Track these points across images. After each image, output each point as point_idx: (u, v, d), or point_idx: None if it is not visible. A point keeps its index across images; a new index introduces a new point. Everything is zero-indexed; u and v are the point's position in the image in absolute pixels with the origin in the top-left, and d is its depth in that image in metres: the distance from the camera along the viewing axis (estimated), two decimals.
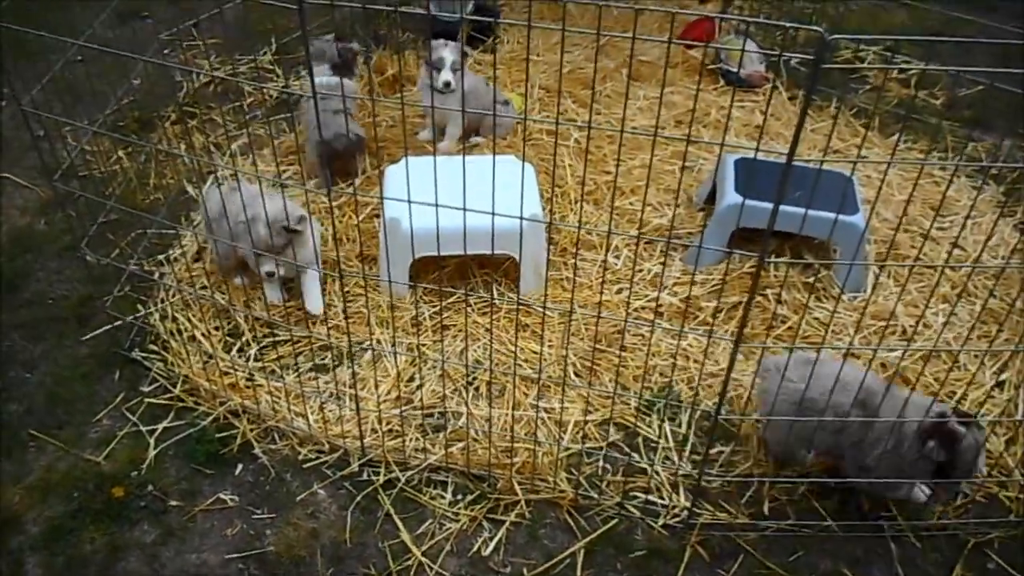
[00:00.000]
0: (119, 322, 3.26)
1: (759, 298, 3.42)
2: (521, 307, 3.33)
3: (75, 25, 2.96)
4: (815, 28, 1.60)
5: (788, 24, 1.76)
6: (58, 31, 2.62)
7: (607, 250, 3.52)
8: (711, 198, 3.81)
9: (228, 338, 3.27)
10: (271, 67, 4.87)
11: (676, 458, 2.89)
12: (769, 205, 2.19)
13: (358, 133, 3.90)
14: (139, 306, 3.40)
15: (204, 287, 3.43)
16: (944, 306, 3.45)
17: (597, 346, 3.18)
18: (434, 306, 3.35)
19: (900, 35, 5.25)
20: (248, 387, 3.03)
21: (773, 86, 4.63)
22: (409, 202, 2.21)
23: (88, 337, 3.30)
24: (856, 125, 4.48)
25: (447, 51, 3.85)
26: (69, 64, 2.93)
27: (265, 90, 4.61)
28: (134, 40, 4.56)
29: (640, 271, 3.52)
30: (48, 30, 2.55)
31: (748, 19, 1.69)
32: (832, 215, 3.27)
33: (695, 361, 3.18)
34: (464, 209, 2.18)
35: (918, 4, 4.96)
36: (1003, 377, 3.16)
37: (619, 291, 3.45)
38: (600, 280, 3.44)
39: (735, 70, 4.59)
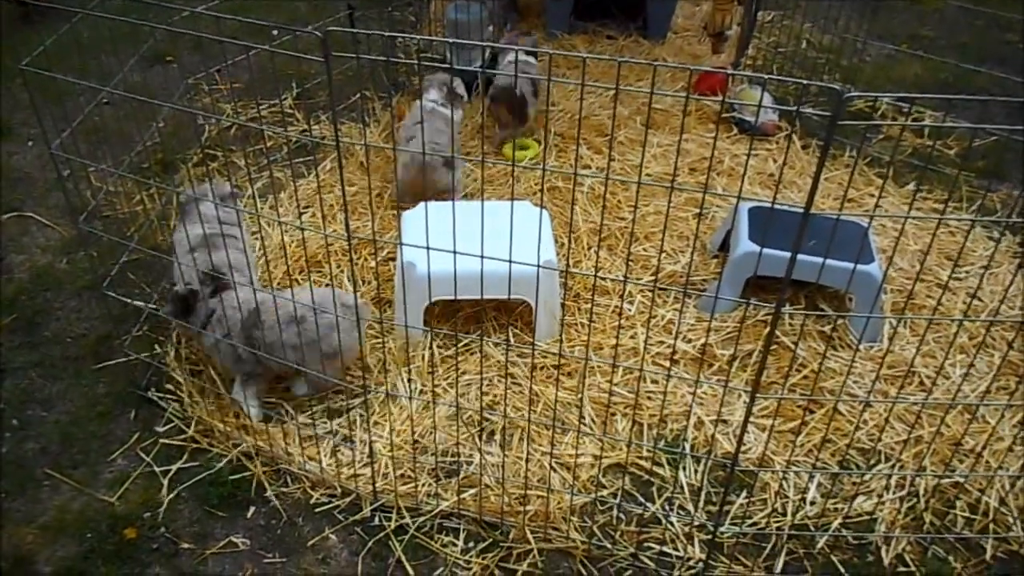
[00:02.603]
0: (135, 361, 3.29)
1: (774, 345, 3.41)
2: (537, 353, 3.33)
3: (104, 68, 3.05)
4: (831, 85, 1.63)
5: (804, 81, 1.78)
6: (88, 74, 2.70)
7: (623, 297, 3.53)
8: (724, 245, 3.83)
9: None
10: (291, 111, 4.97)
11: (691, 508, 2.86)
12: (784, 254, 2.21)
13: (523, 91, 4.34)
14: (156, 346, 3.43)
15: None
16: (962, 356, 3.42)
17: (613, 389, 3.17)
18: (449, 351, 3.36)
19: (913, 86, 5.30)
20: (261, 429, 3.03)
21: (788, 139, 4.67)
22: (428, 249, 2.24)
23: (105, 376, 3.33)
24: (870, 174, 4.50)
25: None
26: (96, 106, 3.01)
27: (286, 134, 4.70)
28: (160, 83, 4.68)
29: (654, 317, 3.53)
30: (77, 73, 2.62)
31: (762, 76, 1.72)
32: (849, 264, 3.29)
33: (711, 410, 3.16)
34: (482, 257, 2.20)
35: (931, 56, 5.03)
36: None
37: (632, 336, 3.46)
38: (615, 325, 3.45)
39: (748, 119, 4.64)
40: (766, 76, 1.70)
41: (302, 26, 5.60)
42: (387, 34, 2.23)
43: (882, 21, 5.54)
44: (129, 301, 3.37)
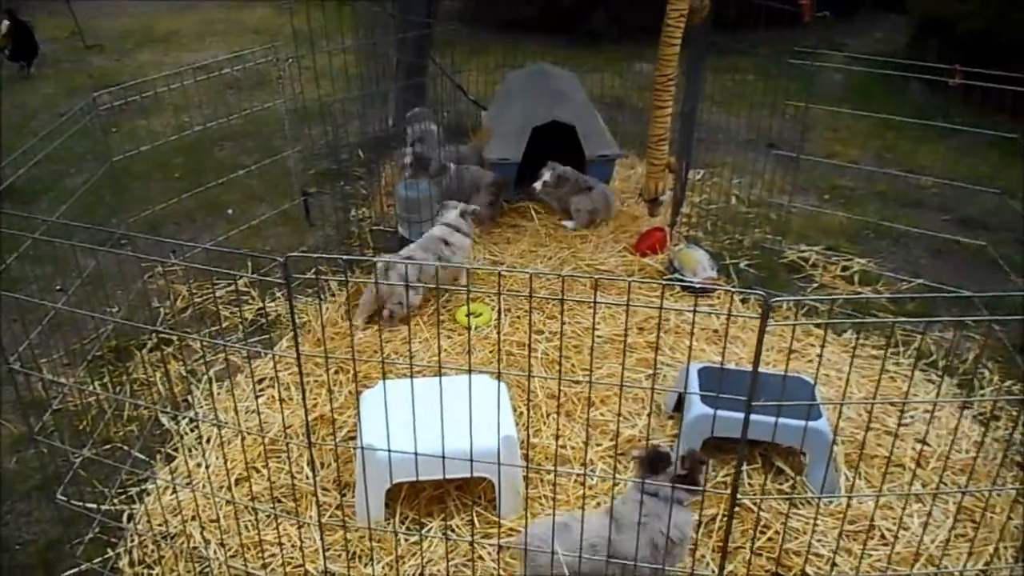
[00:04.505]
0: (87, 570, 3.16)
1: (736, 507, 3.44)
2: (503, 533, 3.30)
3: (58, 254, 3.08)
4: (758, 292, 1.77)
5: (733, 288, 1.93)
6: (42, 257, 2.74)
7: (585, 466, 3.56)
8: (678, 405, 3.92)
9: None
10: (247, 289, 5.05)
11: None
12: (737, 415, 2.31)
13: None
14: (108, 549, 3.31)
15: (177, 527, 3.36)
16: (918, 506, 3.50)
17: None
18: (413, 537, 3.31)
19: (840, 235, 5.66)
20: None
21: (730, 302, 4.89)
22: (389, 452, 2.27)
23: None
24: (808, 324, 4.69)
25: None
26: (49, 293, 3.03)
27: (241, 313, 4.76)
28: (115, 267, 4.71)
29: (617, 484, 3.54)
30: (33, 257, 2.65)
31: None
32: (801, 423, 3.41)
33: None
34: (444, 457, 2.24)
35: (851, 215, 5.43)
36: None
37: (596, 504, 3.46)
38: (579, 496, 3.45)
39: (689, 278, 4.86)
40: (698, 288, 1.84)
41: (256, 205, 5.83)
42: (345, 258, 2.37)
43: (804, 173, 5.96)
44: (81, 505, 3.28)
